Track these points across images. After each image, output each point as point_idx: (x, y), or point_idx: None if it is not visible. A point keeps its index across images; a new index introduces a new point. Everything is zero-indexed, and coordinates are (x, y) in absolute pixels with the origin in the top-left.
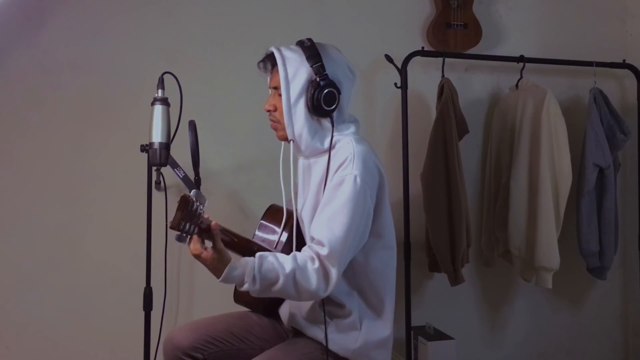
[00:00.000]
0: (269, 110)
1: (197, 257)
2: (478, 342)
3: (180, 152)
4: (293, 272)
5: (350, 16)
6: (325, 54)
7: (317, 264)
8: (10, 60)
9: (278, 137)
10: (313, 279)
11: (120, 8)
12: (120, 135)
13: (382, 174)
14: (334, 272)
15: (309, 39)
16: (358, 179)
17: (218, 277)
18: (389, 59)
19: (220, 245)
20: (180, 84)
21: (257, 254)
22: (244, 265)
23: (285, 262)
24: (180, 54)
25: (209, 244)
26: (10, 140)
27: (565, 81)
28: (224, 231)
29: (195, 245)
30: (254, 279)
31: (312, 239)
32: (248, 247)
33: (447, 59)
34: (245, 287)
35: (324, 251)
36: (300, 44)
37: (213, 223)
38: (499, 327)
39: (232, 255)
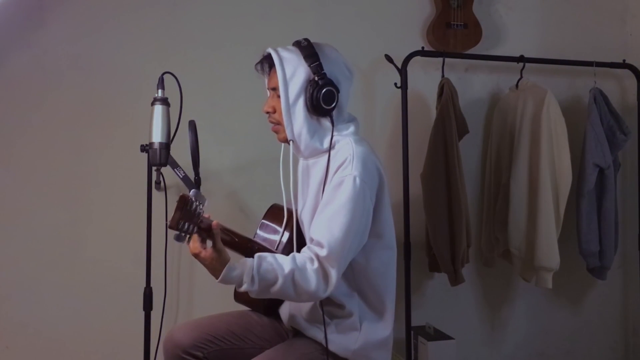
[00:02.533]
0: (268, 112)
1: (196, 256)
2: (478, 342)
3: (180, 152)
4: (292, 273)
5: (350, 16)
6: (322, 53)
7: (316, 264)
8: (10, 60)
9: (279, 140)
10: (312, 280)
11: (120, 8)
12: (120, 136)
13: (382, 175)
14: (333, 273)
15: (306, 39)
16: (357, 180)
17: (217, 278)
18: (389, 59)
19: (220, 245)
20: (180, 84)
21: (256, 255)
22: (242, 265)
23: (284, 262)
24: (180, 54)
25: (208, 243)
26: (11, 140)
27: (565, 81)
28: (225, 230)
29: (194, 244)
30: (252, 279)
31: (312, 239)
32: (248, 247)
33: (447, 59)
34: (244, 287)
35: (322, 252)
36: (297, 44)
37: (214, 222)
38: (499, 327)
39: (232, 255)
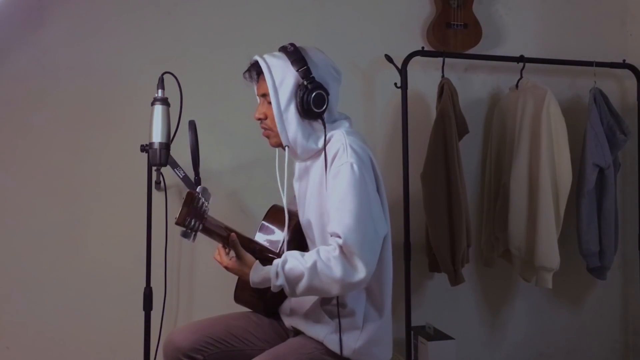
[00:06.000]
0: (259, 119)
1: (227, 268)
2: (478, 342)
3: (180, 152)
4: (315, 265)
5: (350, 16)
6: (308, 57)
7: (337, 252)
8: (10, 60)
9: (271, 144)
10: (337, 268)
11: (120, 8)
12: (120, 136)
13: (374, 164)
14: (357, 259)
15: (292, 44)
16: (355, 166)
17: (249, 281)
18: (389, 59)
19: (241, 252)
20: (180, 84)
21: (284, 253)
22: (268, 266)
23: (308, 257)
24: (180, 54)
25: (231, 253)
26: (11, 141)
27: (565, 81)
28: (226, 229)
29: (224, 257)
30: (277, 275)
31: (330, 233)
32: (250, 247)
33: (447, 59)
34: (272, 284)
35: (340, 241)
36: (283, 49)
37: (231, 235)
38: (499, 327)
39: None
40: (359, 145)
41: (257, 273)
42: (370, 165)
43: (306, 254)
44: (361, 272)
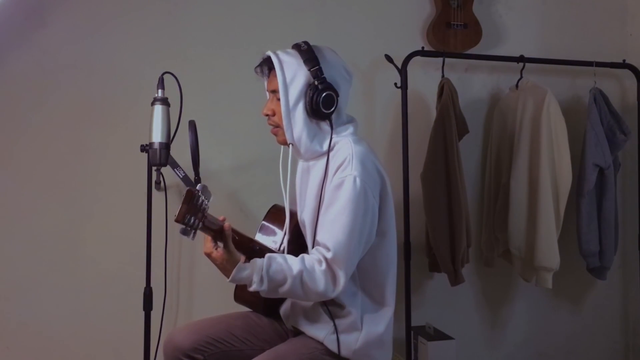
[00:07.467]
0: (267, 115)
1: (208, 255)
2: (478, 342)
3: (180, 152)
4: (300, 274)
5: (350, 16)
6: (322, 57)
7: (324, 266)
8: (10, 60)
9: (278, 142)
10: (320, 281)
11: (120, 8)
12: (120, 135)
13: (382, 174)
14: (341, 274)
15: (306, 42)
16: (358, 180)
17: (227, 277)
18: (389, 59)
19: (231, 246)
20: (180, 84)
21: (267, 255)
22: (252, 266)
23: (293, 264)
24: (180, 54)
25: (219, 244)
26: (10, 141)
27: (565, 81)
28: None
29: (207, 244)
30: (261, 279)
31: (318, 242)
32: (250, 247)
33: (447, 59)
34: (253, 287)
35: (329, 255)
36: (296, 47)
37: (226, 224)
38: (499, 327)
39: None
40: (366, 156)
41: (240, 273)
42: (377, 176)
43: (289, 258)
44: (339, 286)
